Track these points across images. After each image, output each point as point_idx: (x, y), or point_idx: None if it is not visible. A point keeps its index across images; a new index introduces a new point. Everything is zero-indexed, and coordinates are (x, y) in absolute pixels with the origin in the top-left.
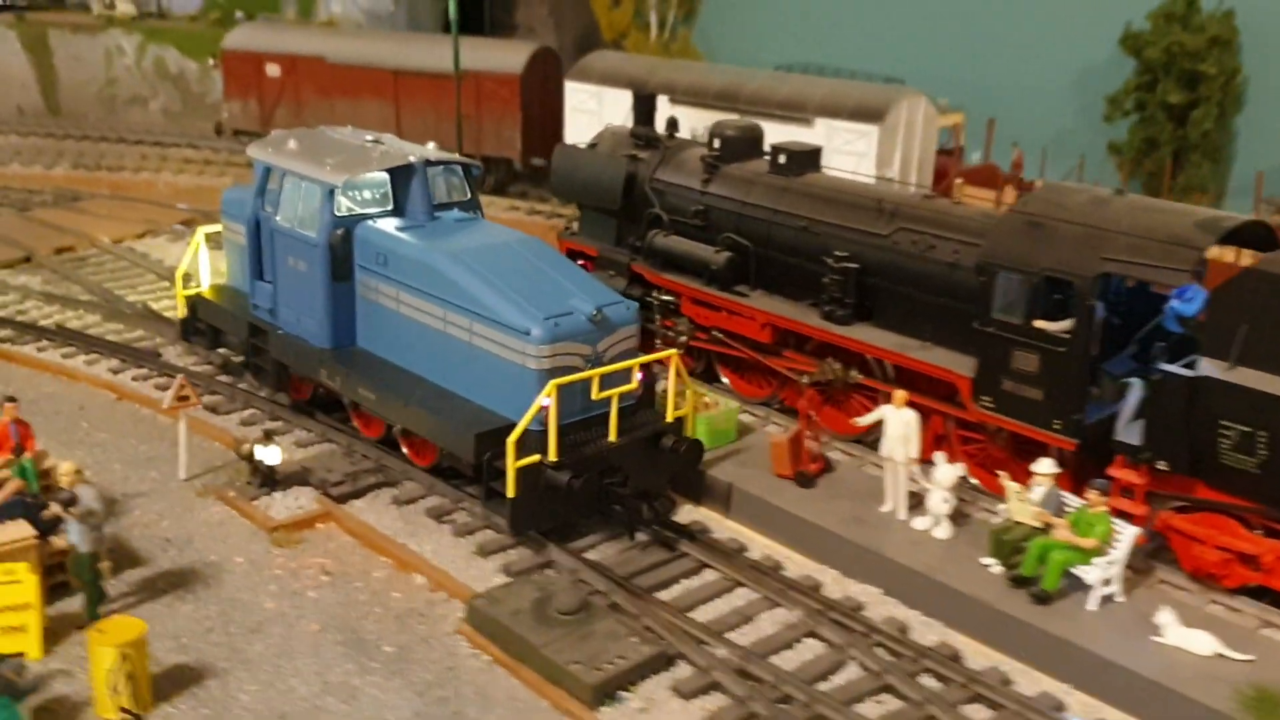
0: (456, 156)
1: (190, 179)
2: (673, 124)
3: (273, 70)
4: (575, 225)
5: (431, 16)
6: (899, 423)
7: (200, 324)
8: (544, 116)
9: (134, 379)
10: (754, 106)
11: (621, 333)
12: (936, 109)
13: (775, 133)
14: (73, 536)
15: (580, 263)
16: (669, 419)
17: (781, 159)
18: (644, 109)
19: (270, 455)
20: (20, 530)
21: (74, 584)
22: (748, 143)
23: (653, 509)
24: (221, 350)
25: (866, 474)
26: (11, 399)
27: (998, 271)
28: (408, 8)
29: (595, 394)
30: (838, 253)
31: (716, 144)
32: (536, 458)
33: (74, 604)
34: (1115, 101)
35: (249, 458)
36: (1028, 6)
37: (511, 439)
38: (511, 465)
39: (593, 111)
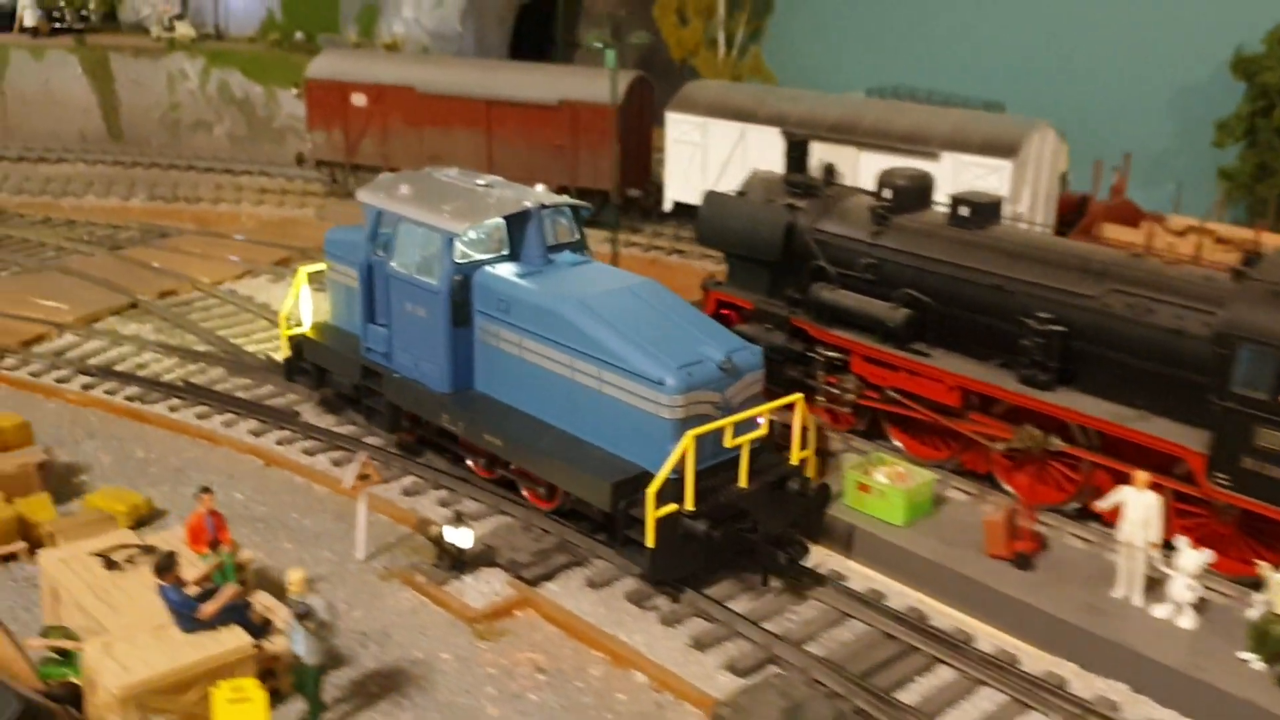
0: (567, 199)
1: (271, 210)
2: (829, 170)
3: (359, 100)
4: (720, 275)
5: (498, 36)
6: (1140, 506)
7: (305, 364)
8: (638, 147)
9: (278, 443)
10: (873, 139)
11: (748, 378)
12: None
13: (897, 167)
14: (299, 648)
15: (725, 312)
16: (793, 461)
17: (963, 210)
18: (797, 155)
19: (463, 538)
20: (238, 639)
21: (288, 691)
22: (918, 192)
23: (789, 554)
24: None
25: (1074, 548)
26: (207, 489)
27: (1241, 344)
28: (475, 29)
29: (728, 441)
30: (1040, 314)
31: (887, 194)
32: (674, 507)
33: (289, 714)
34: (1226, 127)
35: (438, 540)
36: (1121, 25)
37: (652, 489)
38: (651, 515)
39: (696, 144)
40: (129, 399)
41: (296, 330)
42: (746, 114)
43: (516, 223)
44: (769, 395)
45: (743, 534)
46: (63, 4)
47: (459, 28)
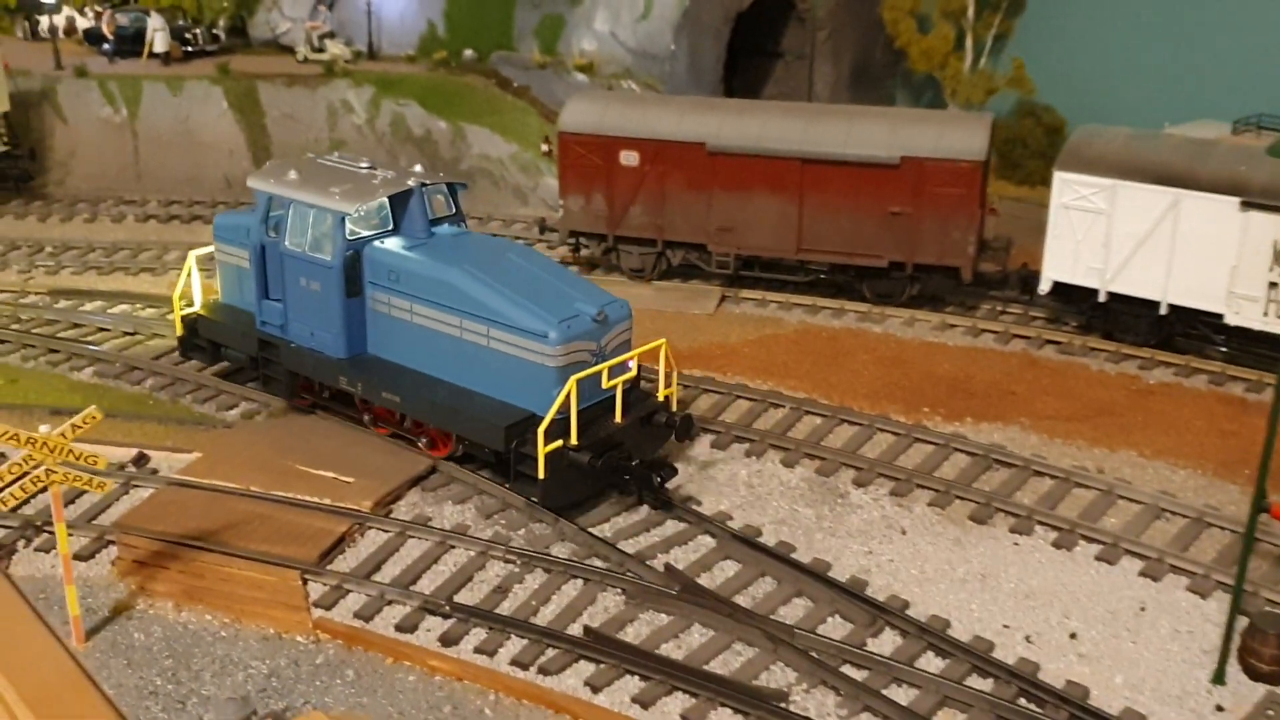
0: (443, 176)
1: None
2: None
3: (629, 158)
4: None
5: (713, 52)
6: None
7: (199, 341)
8: (983, 210)
9: None
10: None
11: (619, 328)
12: None
13: None
14: None
15: None
16: (660, 398)
17: None
18: None
19: None
20: None
21: None
22: None
23: (661, 477)
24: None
25: None
26: None
27: None
28: (689, 45)
29: (605, 384)
30: None
31: None
32: (560, 442)
33: None
34: None
35: None
36: None
37: (542, 428)
38: (542, 450)
39: (1099, 213)
40: (519, 664)
41: (189, 310)
42: (1179, 177)
43: (400, 200)
44: None
45: (620, 462)
46: (193, 24)
47: (671, 44)
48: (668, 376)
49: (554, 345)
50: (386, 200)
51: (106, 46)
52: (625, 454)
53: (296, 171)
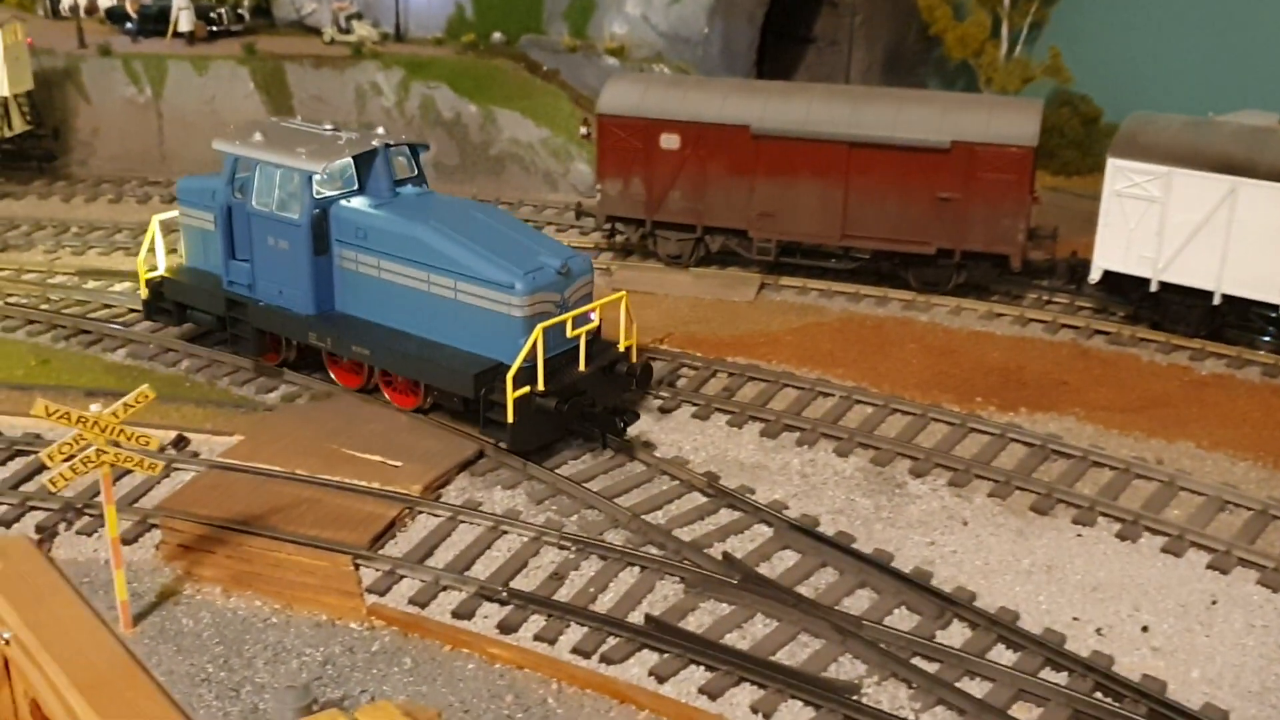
0: (406, 138)
1: None
2: None
3: (669, 141)
4: None
5: (747, 36)
6: None
7: (165, 304)
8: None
9: None
10: None
11: (581, 281)
12: None
13: None
14: None
15: None
16: (621, 348)
17: None
18: None
19: None
20: None
21: None
22: None
23: (624, 421)
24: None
25: None
26: None
27: None
28: (723, 31)
29: (569, 333)
30: None
31: None
32: (527, 389)
33: None
34: None
35: None
36: None
37: (510, 374)
38: (510, 395)
39: (1153, 201)
40: (580, 652)
41: (154, 274)
42: (1238, 165)
43: (365, 161)
44: None
45: (585, 408)
46: (217, 3)
47: (705, 28)
48: (628, 328)
49: (520, 296)
50: (352, 160)
51: (130, 25)
52: (589, 400)
53: (262, 134)
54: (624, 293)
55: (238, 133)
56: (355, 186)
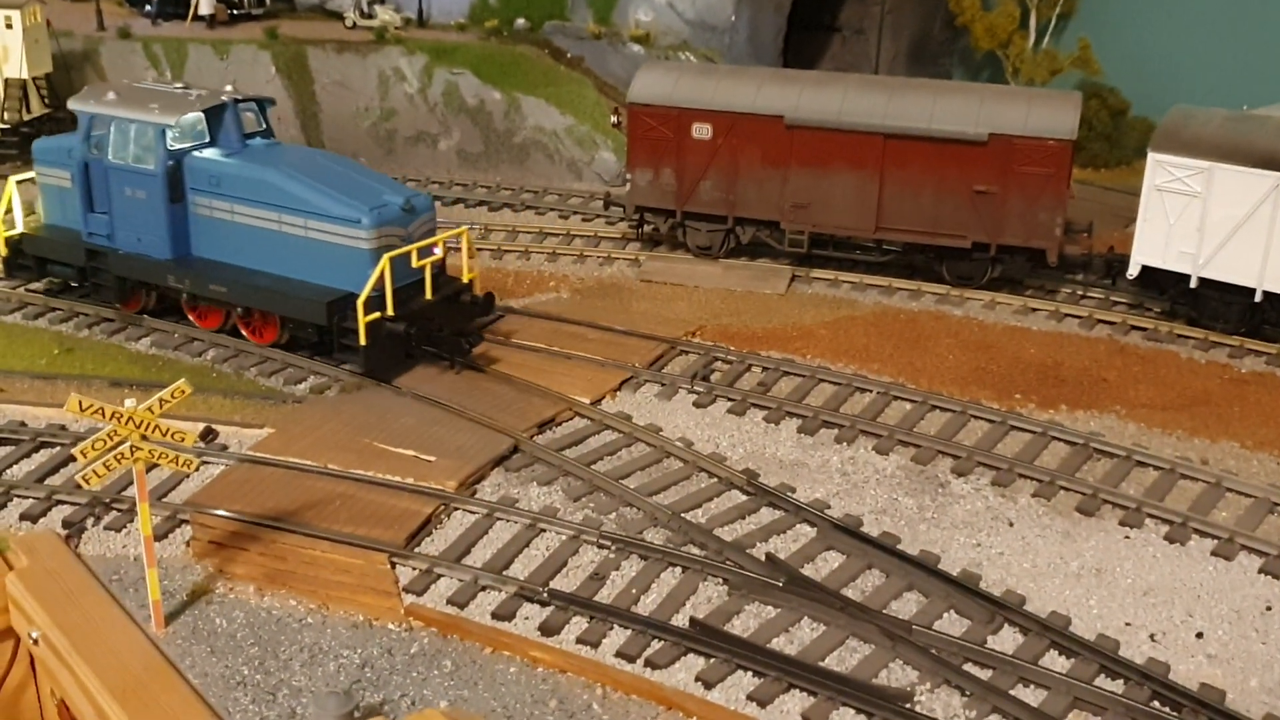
0: (253, 94)
1: (593, 270)
2: None
3: (701, 131)
4: None
5: (774, 26)
6: None
7: (25, 261)
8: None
9: None
10: None
11: (424, 217)
12: None
13: None
14: None
15: None
16: (465, 280)
17: None
18: None
19: None
20: None
21: None
22: None
23: (468, 343)
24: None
25: None
26: None
27: None
28: (749, 19)
29: (414, 264)
30: None
31: None
32: (378, 314)
33: None
34: None
35: None
36: None
37: (361, 299)
38: (362, 321)
39: (1194, 196)
40: (624, 656)
41: (12, 232)
42: None
43: (215, 115)
44: None
45: (432, 331)
46: None
47: (731, 16)
48: (470, 262)
49: (367, 229)
50: (203, 114)
51: (149, 8)
52: (436, 324)
53: (115, 93)
54: (465, 228)
55: (91, 93)
56: (207, 139)
